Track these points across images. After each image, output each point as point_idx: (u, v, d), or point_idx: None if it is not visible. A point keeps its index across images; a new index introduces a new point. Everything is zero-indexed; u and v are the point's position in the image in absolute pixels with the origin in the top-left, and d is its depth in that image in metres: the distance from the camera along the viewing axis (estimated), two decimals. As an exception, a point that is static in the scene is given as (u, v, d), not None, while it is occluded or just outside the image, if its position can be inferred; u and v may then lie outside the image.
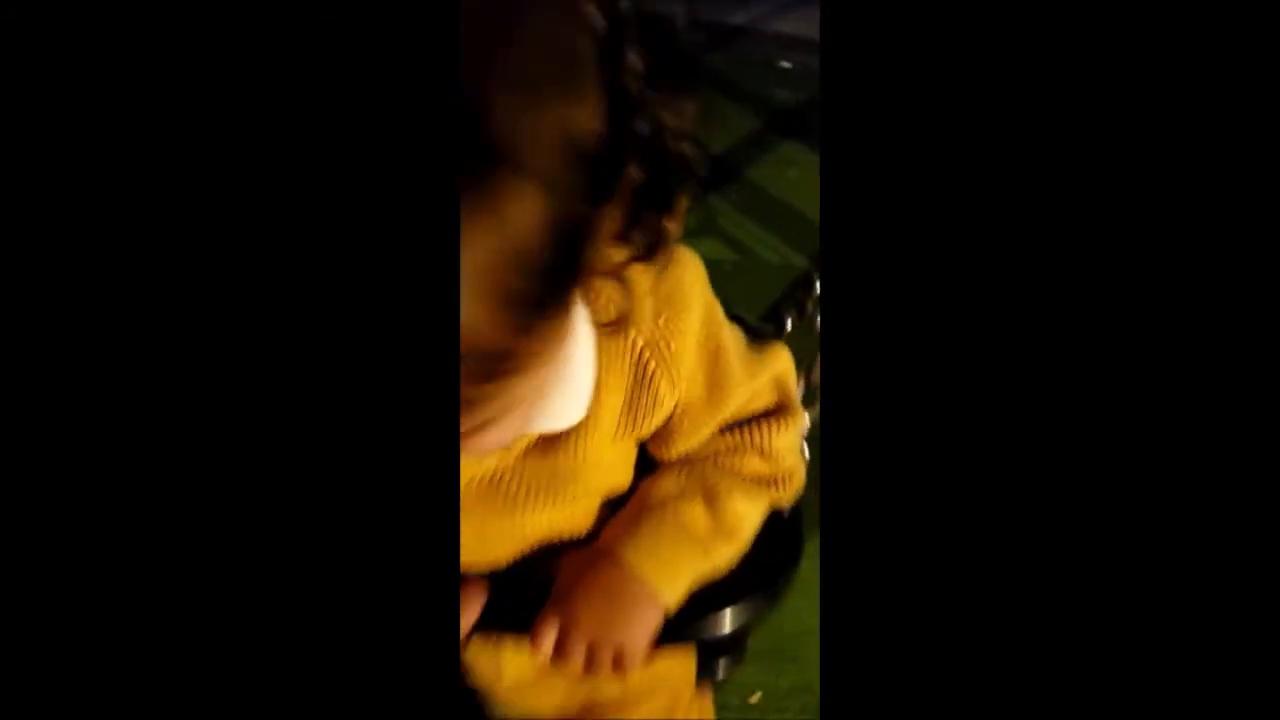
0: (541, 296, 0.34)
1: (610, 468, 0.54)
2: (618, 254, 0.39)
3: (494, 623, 0.53)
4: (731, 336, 0.53)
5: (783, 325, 0.92)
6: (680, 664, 0.66)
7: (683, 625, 0.53)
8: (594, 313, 0.43)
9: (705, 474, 0.53)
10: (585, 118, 0.32)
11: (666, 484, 0.54)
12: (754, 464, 0.55)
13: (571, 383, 0.45)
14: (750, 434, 0.55)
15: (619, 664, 0.50)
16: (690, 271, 0.50)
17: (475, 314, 0.32)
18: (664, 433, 0.53)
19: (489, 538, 0.53)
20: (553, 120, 0.32)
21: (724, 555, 0.53)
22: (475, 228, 0.31)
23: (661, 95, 0.35)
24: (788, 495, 0.57)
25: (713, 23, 2.81)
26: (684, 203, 0.39)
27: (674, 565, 0.51)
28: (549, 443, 0.49)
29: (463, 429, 0.37)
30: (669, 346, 0.49)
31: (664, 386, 0.49)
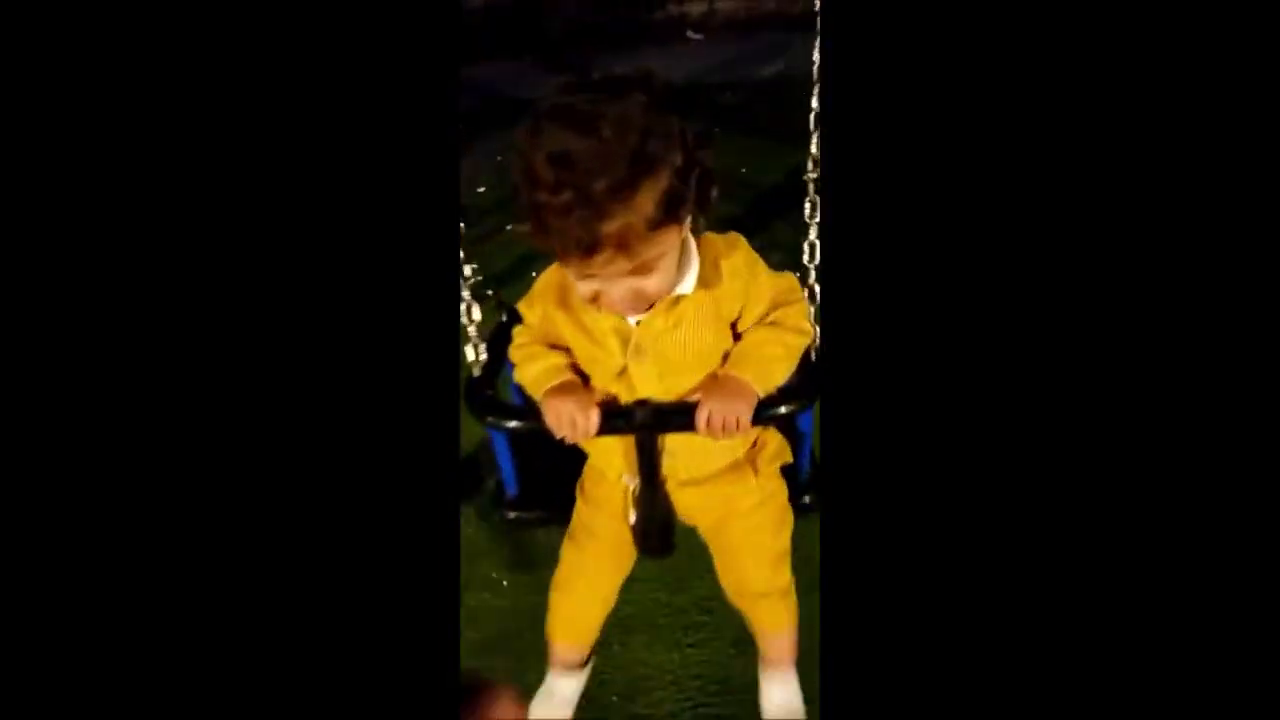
0: (667, 219, 0.84)
1: (717, 340, 1.05)
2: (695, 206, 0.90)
3: (674, 426, 1.04)
4: (764, 268, 1.06)
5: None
6: (781, 488, 1.17)
7: (767, 409, 1.03)
8: (689, 230, 0.95)
9: (764, 330, 1.04)
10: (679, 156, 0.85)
11: (747, 338, 1.05)
12: (790, 324, 1.06)
13: (681, 276, 0.97)
14: (784, 312, 1.06)
15: (739, 427, 1.01)
16: (739, 239, 1.04)
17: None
18: (740, 321, 1.05)
19: (664, 367, 1.03)
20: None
21: (781, 371, 1.04)
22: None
23: (704, 149, 0.88)
24: (807, 340, 1.08)
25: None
26: (715, 189, 0.91)
27: (759, 373, 1.02)
28: (676, 311, 1.00)
29: (645, 285, 0.86)
30: (732, 262, 1.01)
31: (731, 281, 1.01)
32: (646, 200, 0.81)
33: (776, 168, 3.16)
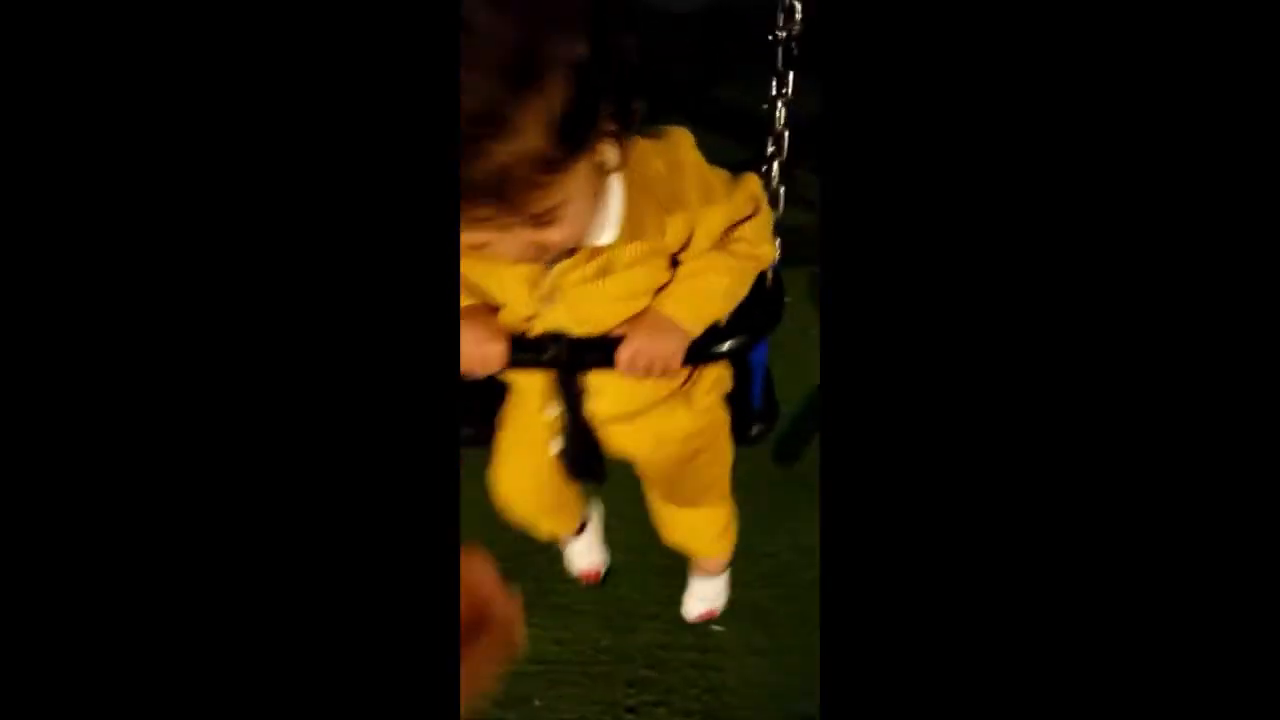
0: (567, 155, 0.59)
1: (651, 280, 0.85)
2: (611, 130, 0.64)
3: (591, 364, 0.88)
4: (715, 174, 0.84)
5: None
6: (719, 418, 1.02)
7: (702, 348, 0.86)
8: (604, 164, 0.68)
9: (713, 255, 0.85)
10: (583, 54, 0.56)
11: (686, 267, 0.85)
12: (743, 247, 0.87)
13: (598, 217, 0.74)
14: (740, 230, 0.86)
15: (664, 369, 0.84)
16: (682, 140, 0.81)
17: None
18: (687, 250, 0.85)
19: (582, 316, 0.85)
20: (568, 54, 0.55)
21: (724, 301, 0.86)
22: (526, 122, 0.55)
23: (623, 39, 0.62)
24: (762, 264, 0.89)
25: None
26: (641, 103, 0.66)
27: (693, 308, 0.84)
28: (602, 261, 0.80)
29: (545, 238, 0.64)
30: (671, 188, 0.79)
31: (676, 215, 0.79)
32: (532, 129, 0.56)
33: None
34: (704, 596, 1.44)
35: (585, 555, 1.51)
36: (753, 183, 0.88)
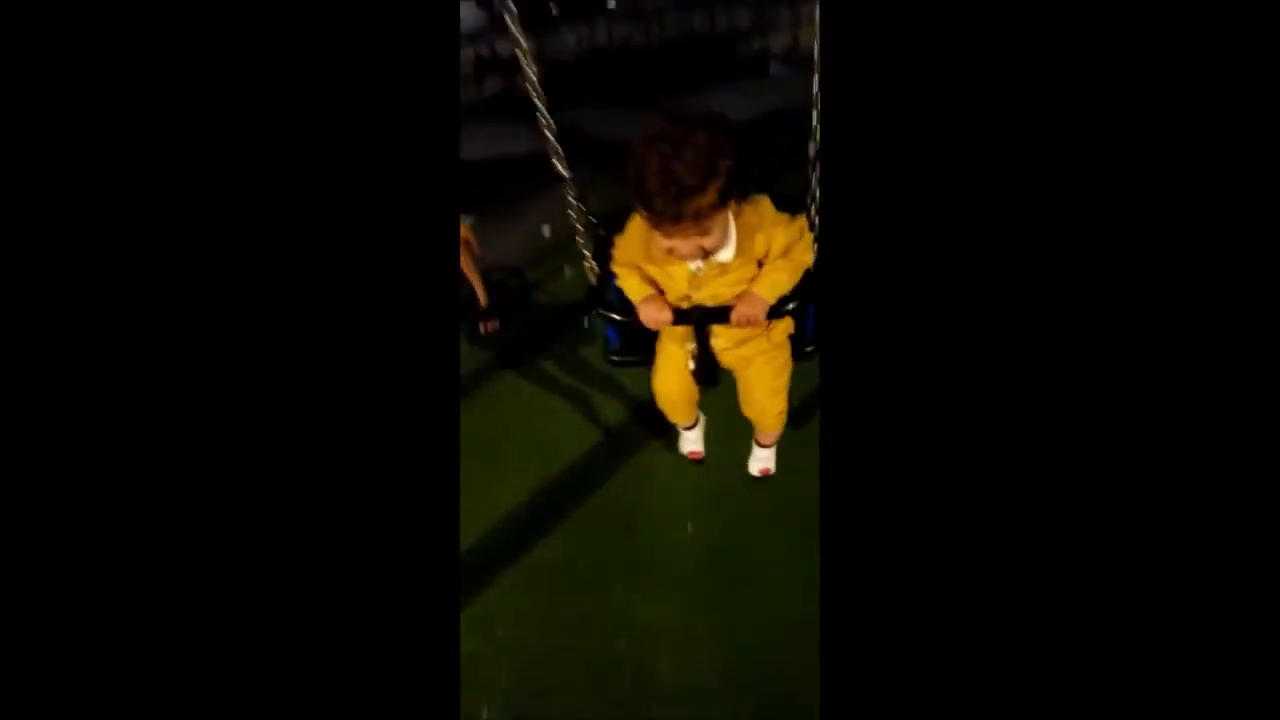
0: (722, 204, 1.42)
1: (744, 274, 1.64)
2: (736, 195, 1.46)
3: (715, 320, 1.68)
4: (781, 216, 1.62)
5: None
6: (784, 347, 1.83)
7: (775, 309, 1.65)
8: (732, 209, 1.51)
9: (779, 260, 1.63)
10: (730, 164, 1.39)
11: (766, 266, 1.64)
12: (795, 255, 1.64)
13: (726, 239, 1.56)
14: (795, 247, 1.64)
15: (754, 322, 1.64)
16: (764, 201, 1.60)
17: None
18: (765, 259, 1.63)
19: (712, 295, 1.66)
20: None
21: (787, 286, 1.65)
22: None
23: (740, 158, 1.42)
24: (807, 265, 1.67)
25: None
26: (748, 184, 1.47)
27: (769, 287, 1.63)
28: (724, 267, 1.60)
29: (705, 242, 1.46)
30: (759, 226, 1.59)
31: (760, 239, 1.59)
32: (712, 192, 1.34)
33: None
34: (762, 459, 2.28)
35: (694, 442, 2.35)
36: (801, 220, 1.65)
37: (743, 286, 1.64)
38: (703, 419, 2.31)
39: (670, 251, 1.50)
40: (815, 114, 1.59)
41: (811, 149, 1.64)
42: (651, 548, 2.30)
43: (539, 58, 1.47)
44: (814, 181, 1.68)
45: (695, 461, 2.37)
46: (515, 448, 2.64)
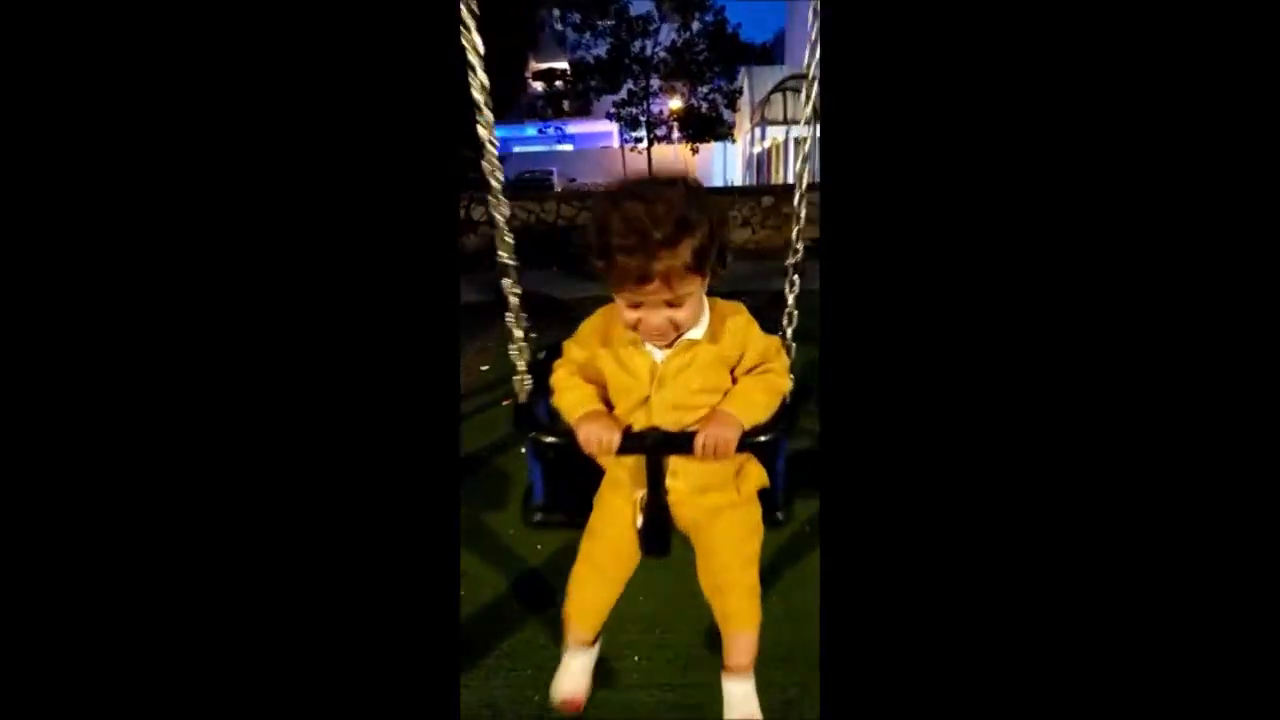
0: (696, 269, 1.17)
1: (718, 380, 1.36)
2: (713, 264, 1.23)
3: (675, 448, 1.33)
4: (758, 329, 1.37)
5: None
6: (756, 506, 1.47)
7: (748, 437, 1.33)
8: (707, 282, 1.27)
9: (753, 378, 1.35)
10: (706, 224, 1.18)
11: (740, 383, 1.35)
12: (771, 378, 1.37)
13: (700, 318, 1.29)
14: (770, 365, 1.37)
15: (725, 452, 1.30)
16: (742, 307, 1.36)
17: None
18: (737, 367, 1.36)
19: (675, 400, 1.34)
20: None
21: (764, 411, 1.35)
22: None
23: (722, 228, 1.21)
24: (785, 389, 1.39)
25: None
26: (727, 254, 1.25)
27: (745, 409, 1.32)
28: (692, 351, 1.32)
29: (675, 315, 1.19)
30: (734, 315, 1.33)
31: (734, 331, 1.33)
32: (685, 250, 1.14)
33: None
34: (739, 700, 1.46)
35: (577, 676, 1.49)
36: (777, 340, 1.40)
37: (711, 396, 1.33)
38: (597, 650, 1.55)
39: (635, 326, 1.24)
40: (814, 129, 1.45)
41: (806, 175, 1.47)
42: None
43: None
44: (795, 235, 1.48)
45: (570, 714, 1.51)
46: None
